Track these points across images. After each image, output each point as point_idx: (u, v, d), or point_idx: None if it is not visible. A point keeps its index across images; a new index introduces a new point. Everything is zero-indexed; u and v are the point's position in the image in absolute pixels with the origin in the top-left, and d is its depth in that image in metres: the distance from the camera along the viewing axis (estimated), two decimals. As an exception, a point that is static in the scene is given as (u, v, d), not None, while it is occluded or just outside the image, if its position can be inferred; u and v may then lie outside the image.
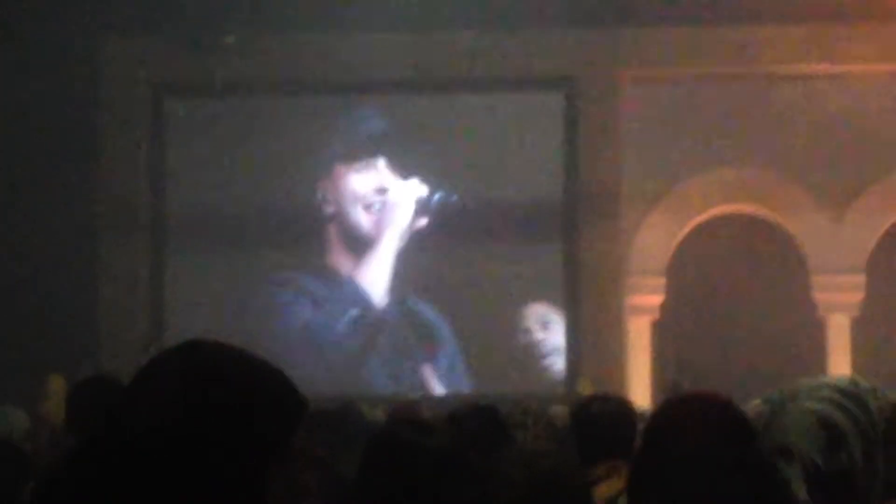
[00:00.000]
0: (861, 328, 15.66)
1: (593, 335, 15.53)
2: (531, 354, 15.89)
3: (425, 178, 16.05)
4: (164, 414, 1.95)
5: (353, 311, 16.07)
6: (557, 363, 15.79)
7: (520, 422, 5.75)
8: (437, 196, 15.98)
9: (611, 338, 15.53)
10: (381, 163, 16.14)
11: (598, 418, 4.80)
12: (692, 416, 3.07)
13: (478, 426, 4.92)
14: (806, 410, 2.69)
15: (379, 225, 16.09)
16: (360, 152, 16.17)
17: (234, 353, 2.05)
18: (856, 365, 15.40)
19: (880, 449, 2.73)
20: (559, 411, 9.32)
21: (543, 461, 3.68)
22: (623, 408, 4.96)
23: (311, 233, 16.07)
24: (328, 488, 4.57)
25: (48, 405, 10.74)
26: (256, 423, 1.98)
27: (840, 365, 15.32)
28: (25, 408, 9.02)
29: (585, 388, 13.06)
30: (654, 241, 15.82)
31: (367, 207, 16.13)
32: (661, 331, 15.83)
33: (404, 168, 16.09)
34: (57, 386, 11.12)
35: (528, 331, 15.95)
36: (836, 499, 2.64)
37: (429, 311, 16.01)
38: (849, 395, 2.76)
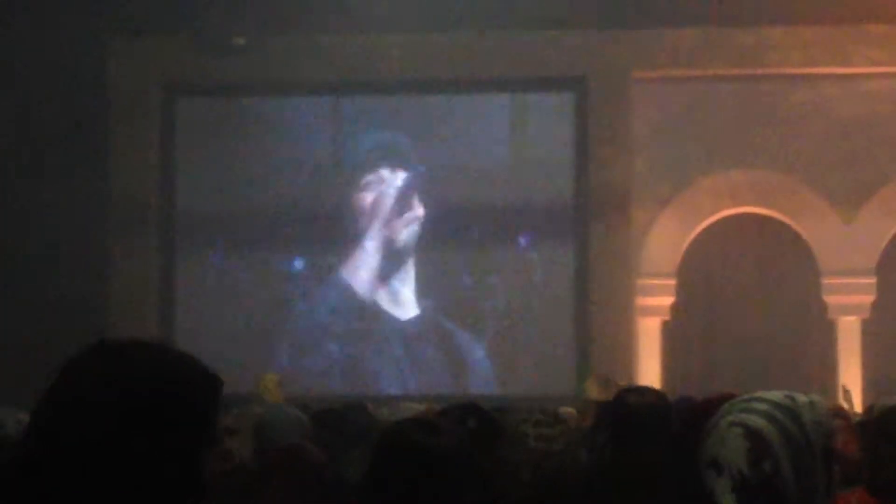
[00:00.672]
0: (871, 330, 15.63)
1: (603, 336, 15.52)
2: (542, 355, 15.87)
3: (435, 179, 16.04)
4: (85, 416, 1.98)
5: (363, 311, 16.08)
6: (567, 365, 15.77)
7: (533, 421, 5.74)
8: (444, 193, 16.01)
9: (621, 339, 15.52)
10: (392, 163, 16.15)
11: (635, 410, 4.84)
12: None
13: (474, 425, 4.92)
14: (732, 422, 2.71)
15: (389, 225, 16.09)
16: (370, 152, 16.17)
17: (142, 346, 2.08)
18: (866, 367, 15.39)
19: (818, 462, 2.74)
20: (569, 412, 9.33)
21: (552, 462, 3.68)
22: (659, 400, 4.99)
23: (321, 232, 16.07)
24: (330, 487, 4.57)
25: None
26: (176, 410, 2.00)
27: (850, 367, 15.31)
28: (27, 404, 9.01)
29: (592, 390, 13.00)
30: (664, 242, 15.80)
31: (377, 207, 16.13)
32: (672, 332, 15.81)
33: (414, 168, 16.09)
34: None
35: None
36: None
37: (439, 312, 16.01)
38: (781, 408, 2.77)
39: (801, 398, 2.83)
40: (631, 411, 4.83)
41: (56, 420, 2.01)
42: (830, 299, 15.69)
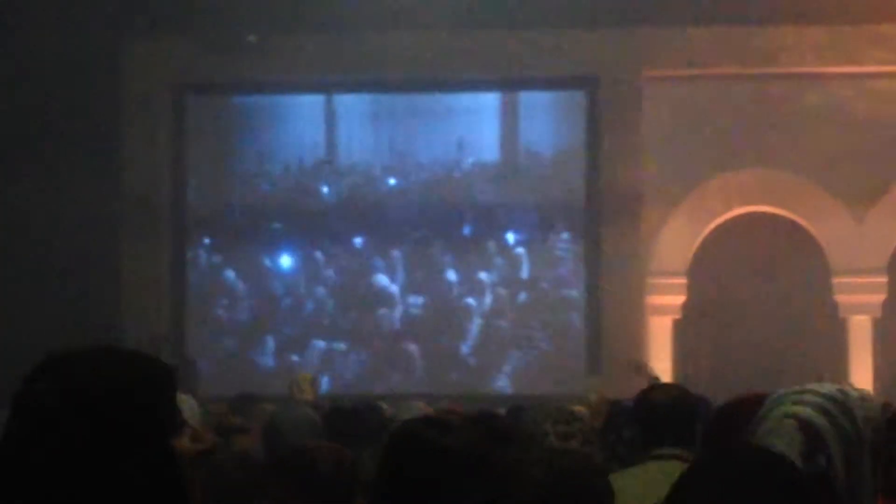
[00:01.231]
0: (883, 329, 15.62)
1: (615, 335, 15.51)
2: (551, 354, 15.87)
3: (448, 176, 16.05)
4: (40, 424, 2.04)
5: (377, 307, 16.09)
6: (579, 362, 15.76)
7: (553, 419, 5.75)
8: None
9: (632, 337, 15.50)
10: (404, 160, 16.15)
11: (660, 407, 4.84)
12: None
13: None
14: (786, 414, 2.70)
15: (402, 220, 16.09)
16: (382, 149, 16.18)
17: (89, 352, 2.14)
18: (877, 366, 15.38)
19: (867, 457, 2.74)
20: (582, 410, 9.31)
21: (565, 460, 3.67)
22: (684, 396, 5.00)
23: (332, 228, 16.08)
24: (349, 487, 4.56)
25: None
26: (137, 406, 2.06)
27: (861, 366, 15.30)
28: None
29: (599, 389, 12.96)
30: (676, 241, 15.80)
31: (390, 203, 16.13)
32: (683, 330, 15.80)
33: (427, 165, 16.09)
34: None
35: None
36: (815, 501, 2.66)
37: (453, 309, 16.01)
38: (834, 401, 2.77)
39: (853, 393, 2.83)
40: (654, 408, 4.83)
41: (18, 432, 2.07)
42: (842, 298, 15.67)
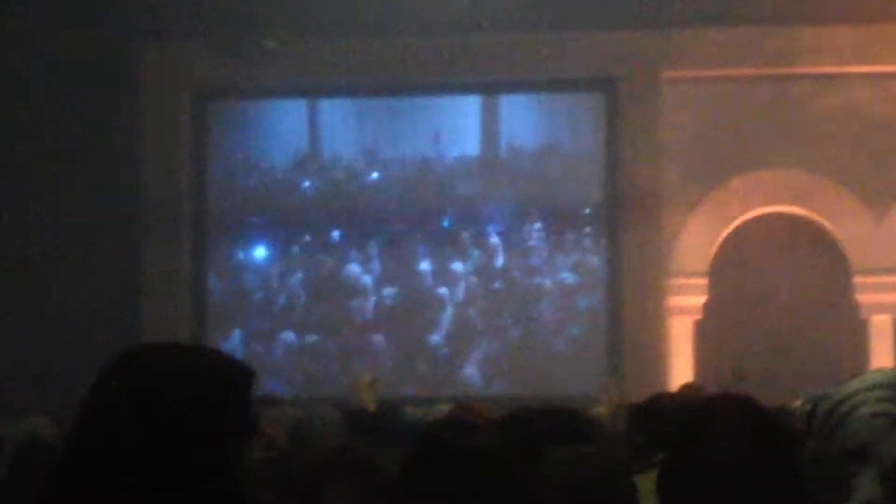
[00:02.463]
0: (904, 328, 15.61)
1: (635, 336, 15.52)
2: (571, 356, 15.87)
3: (467, 179, 16.08)
4: (112, 427, 2.00)
5: (349, 299, 16.09)
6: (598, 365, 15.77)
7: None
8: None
9: (653, 339, 15.51)
10: (424, 163, 16.17)
11: (666, 413, 4.83)
12: (727, 417, 3.10)
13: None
14: (873, 413, 2.69)
15: (424, 224, 16.12)
16: (402, 152, 16.21)
17: (162, 350, 2.10)
18: (899, 366, 15.34)
19: None
20: (601, 413, 9.31)
21: (588, 462, 3.67)
22: (692, 402, 4.97)
23: (353, 231, 16.12)
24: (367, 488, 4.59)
25: None
26: (212, 408, 2.02)
27: (883, 365, 15.25)
28: (67, 411, 9.02)
29: (612, 391, 12.95)
30: (696, 241, 15.80)
31: (409, 206, 16.16)
32: (704, 331, 15.80)
33: (446, 169, 16.12)
34: None
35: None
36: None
37: (471, 313, 16.03)
38: None
39: None
40: (661, 413, 4.81)
41: (88, 431, 2.04)
42: (862, 298, 15.66)
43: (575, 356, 15.82)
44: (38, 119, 15.48)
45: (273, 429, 7.81)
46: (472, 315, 16.01)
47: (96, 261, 15.33)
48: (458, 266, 16.03)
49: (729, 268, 15.87)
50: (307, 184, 16.29)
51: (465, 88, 16.14)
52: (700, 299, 15.80)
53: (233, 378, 2.09)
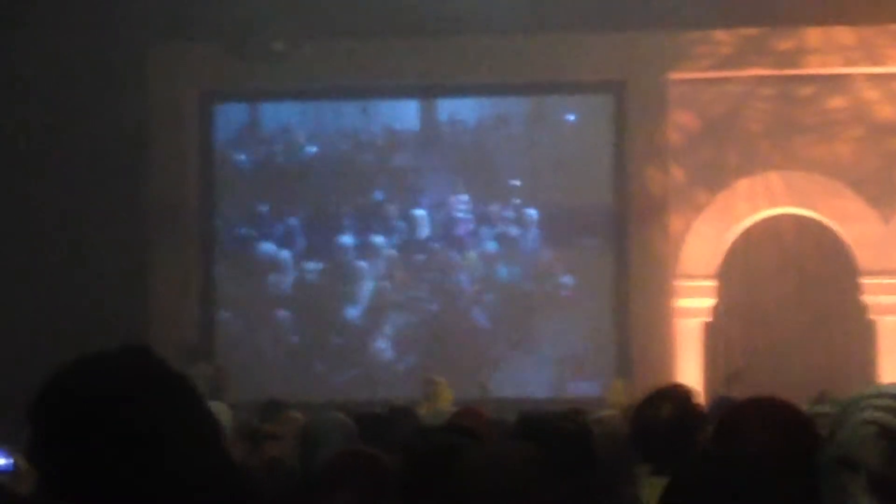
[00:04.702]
0: (912, 330, 15.60)
1: (643, 338, 15.51)
2: (578, 358, 15.87)
3: (475, 182, 16.09)
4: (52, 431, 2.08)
5: (266, 274, 16.14)
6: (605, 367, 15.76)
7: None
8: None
9: (661, 341, 15.51)
10: (432, 164, 16.19)
11: (663, 420, 4.79)
12: (760, 417, 3.10)
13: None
14: (866, 420, 2.69)
15: (434, 226, 16.12)
16: (409, 154, 16.23)
17: (88, 360, 2.18)
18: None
19: None
20: (611, 415, 9.27)
21: (592, 471, 3.67)
22: (689, 407, 4.94)
23: (363, 236, 16.12)
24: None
25: None
26: (134, 410, 2.06)
27: (891, 367, 15.24)
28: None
29: (619, 393, 12.96)
30: (704, 244, 15.79)
31: (420, 209, 16.16)
32: (712, 333, 15.80)
33: (454, 171, 16.13)
34: None
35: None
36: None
37: (481, 314, 16.03)
38: None
39: None
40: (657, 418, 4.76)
41: (37, 435, 2.12)
42: (870, 299, 15.65)
43: (493, 328, 15.79)
44: (45, 119, 15.48)
45: (281, 432, 7.80)
46: (388, 289, 16.00)
47: (102, 260, 15.32)
48: (379, 239, 16.04)
49: (737, 270, 15.86)
50: (242, 157, 16.32)
51: (471, 90, 16.13)
52: (708, 301, 15.79)
53: (175, 380, 2.15)
